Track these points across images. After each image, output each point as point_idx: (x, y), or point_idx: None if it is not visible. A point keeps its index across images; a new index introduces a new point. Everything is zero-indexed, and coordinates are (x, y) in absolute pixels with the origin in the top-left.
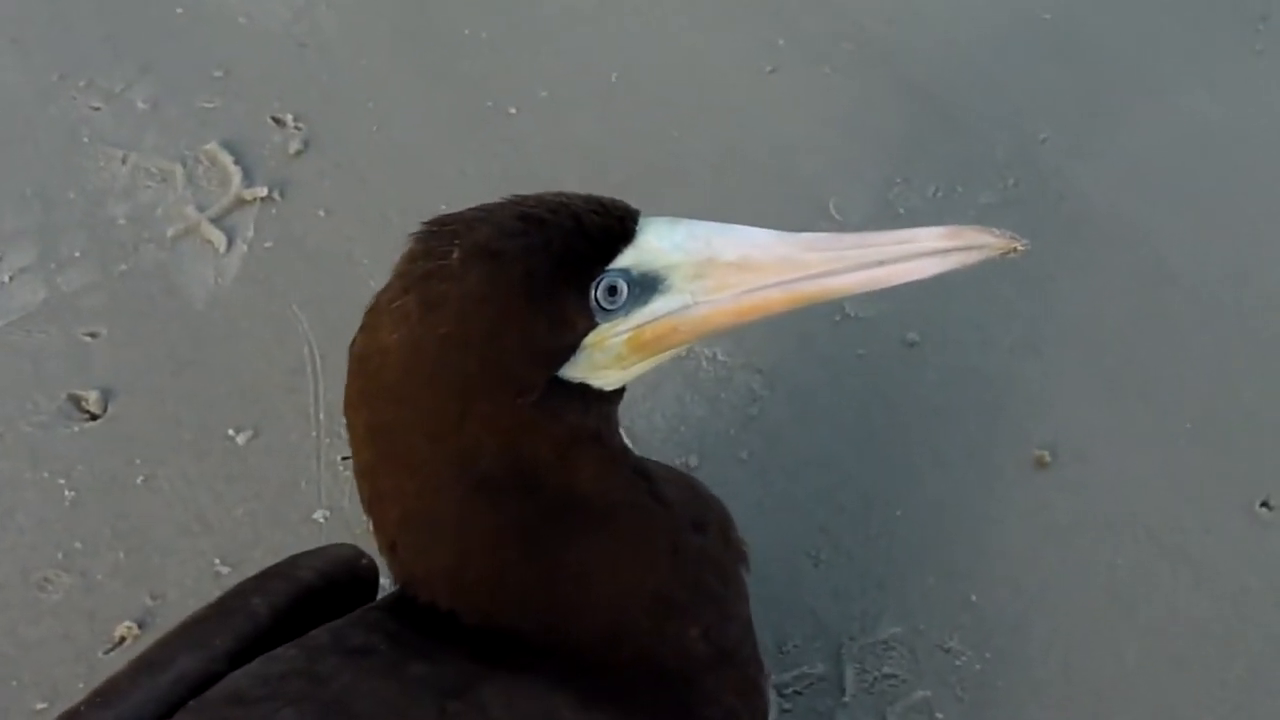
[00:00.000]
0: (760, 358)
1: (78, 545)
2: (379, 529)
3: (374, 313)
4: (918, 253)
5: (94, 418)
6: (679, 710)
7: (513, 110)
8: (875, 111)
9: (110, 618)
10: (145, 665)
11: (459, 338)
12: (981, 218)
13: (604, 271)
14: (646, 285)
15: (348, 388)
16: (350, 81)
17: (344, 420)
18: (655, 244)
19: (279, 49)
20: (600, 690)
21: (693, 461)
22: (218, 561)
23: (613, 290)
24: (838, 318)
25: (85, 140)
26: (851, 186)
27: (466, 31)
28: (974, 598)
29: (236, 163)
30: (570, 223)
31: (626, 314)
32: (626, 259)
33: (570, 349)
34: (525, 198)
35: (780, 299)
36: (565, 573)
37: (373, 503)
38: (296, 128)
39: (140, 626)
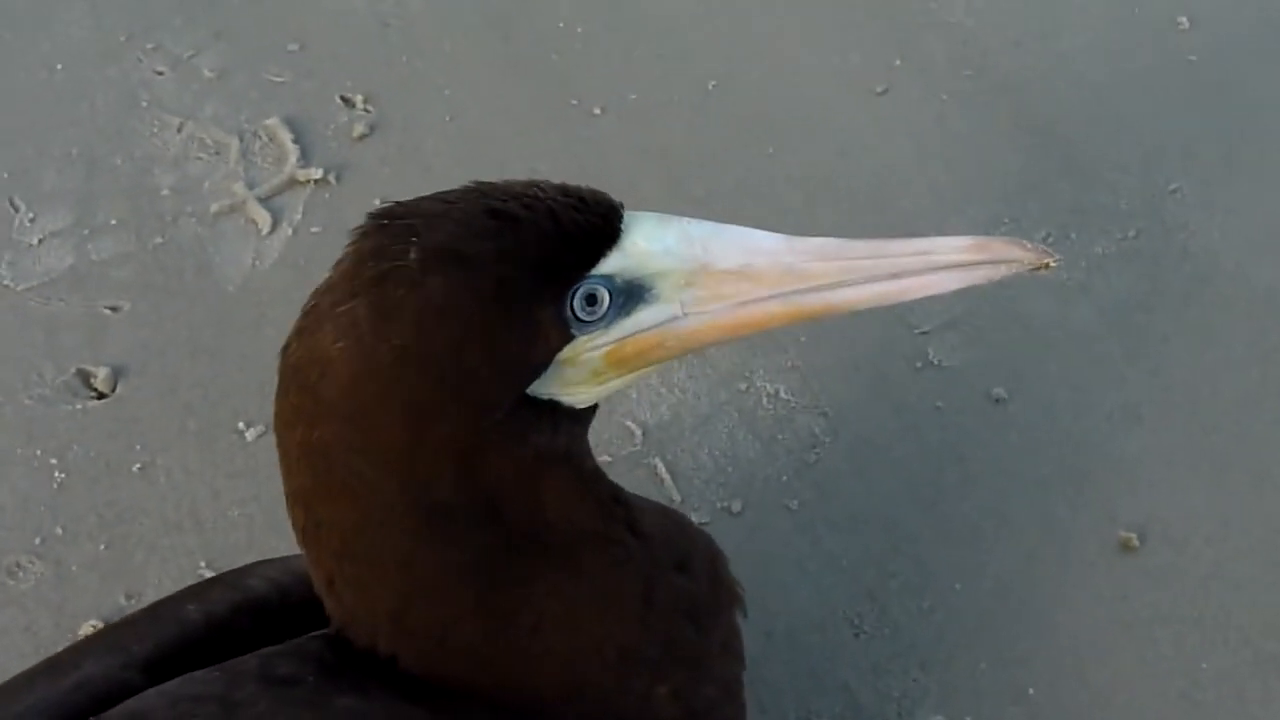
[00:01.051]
0: (827, 400)
1: (58, 531)
2: (315, 563)
3: (313, 316)
4: (937, 265)
5: (100, 396)
6: None
7: (597, 110)
8: (990, 145)
9: (78, 614)
10: (49, 667)
11: (417, 352)
12: (1095, 268)
13: (584, 278)
14: (632, 294)
15: (278, 401)
16: (429, 65)
17: None
18: (644, 247)
19: (360, 26)
20: None
21: (735, 507)
22: (203, 564)
23: (592, 299)
24: (919, 364)
25: (143, 104)
26: (952, 223)
27: (561, 24)
28: (1031, 690)
29: (295, 141)
30: (548, 223)
31: (607, 326)
32: (611, 264)
33: (541, 365)
34: (493, 187)
35: (781, 312)
36: (521, 623)
37: (307, 532)
38: (365, 109)
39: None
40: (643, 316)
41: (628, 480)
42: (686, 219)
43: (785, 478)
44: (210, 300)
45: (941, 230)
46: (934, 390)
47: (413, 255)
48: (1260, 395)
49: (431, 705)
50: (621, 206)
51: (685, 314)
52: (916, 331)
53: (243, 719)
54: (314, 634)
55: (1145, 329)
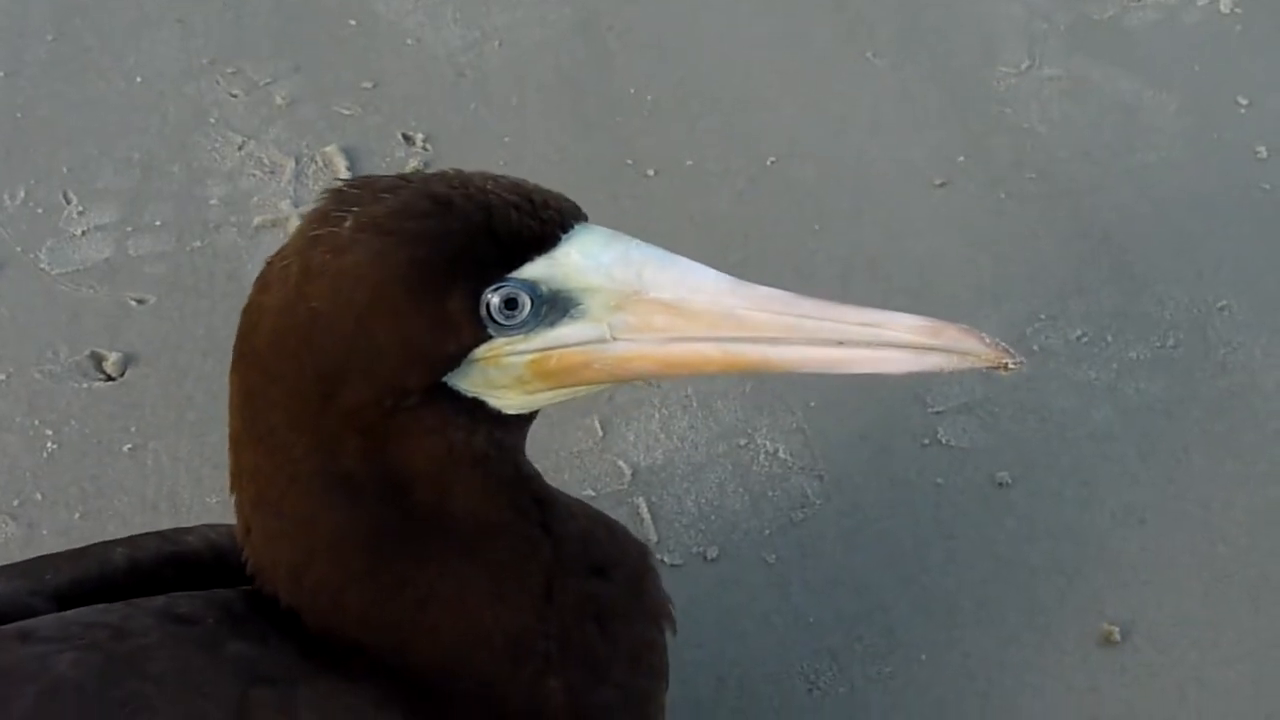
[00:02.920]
0: (826, 464)
1: (38, 496)
2: (237, 510)
3: (266, 269)
4: (887, 341)
5: (108, 379)
6: None
7: (651, 172)
8: (1040, 244)
9: None
10: None
11: (329, 316)
12: (1125, 371)
13: (504, 279)
14: (556, 305)
15: (234, 345)
16: (494, 114)
17: None
18: (576, 260)
19: (436, 73)
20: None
21: (711, 553)
22: None
23: (512, 303)
24: (926, 441)
25: (211, 121)
26: (988, 313)
27: (632, 90)
28: None
29: (349, 168)
30: (479, 214)
31: (528, 333)
32: (536, 269)
33: (453, 358)
34: (454, 175)
35: (717, 358)
36: (410, 596)
37: (234, 478)
38: (424, 148)
39: None
40: (566, 331)
41: None
42: (636, 241)
43: (768, 532)
44: (234, 304)
45: (976, 320)
46: (936, 468)
47: (347, 224)
48: (1275, 514)
49: (323, 661)
50: (577, 217)
51: (614, 338)
52: (930, 410)
53: (129, 648)
54: (236, 589)
55: (1166, 435)
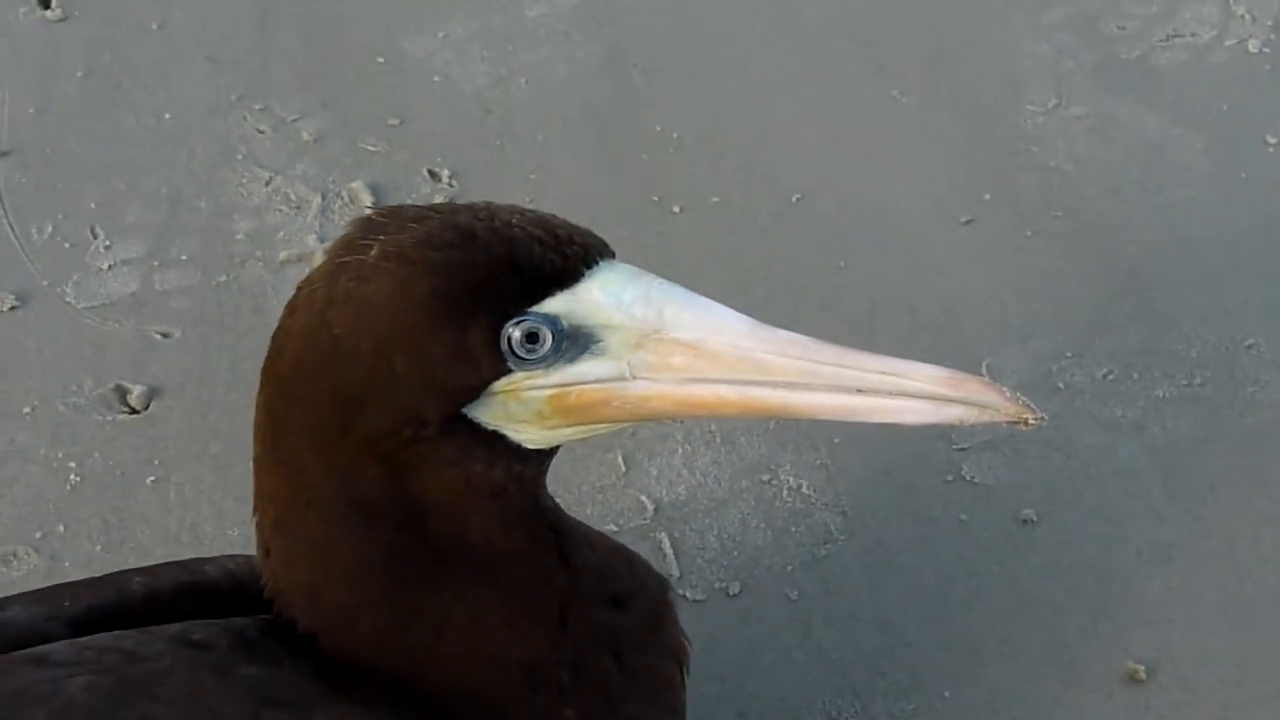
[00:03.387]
0: (849, 500)
1: (60, 529)
2: (258, 532)
3: (295, 294)
4: (906, 391)
5: (133, 412)
6: None
7: (676, 209)
8: (1066, 283)
9: None
10: None
11: (350, 343)
12: (1152, 409)
13: (525, 313)
14: (578, 341)
15: (262, 369)
16: (520, 151)
17: None
18: (598, 297)
19: (463, 110)
20: None
21: (733, 589)
22: None
23: (534, 337)
24: (950, 478)
25: (239, 157)
26: (1013, 350)
27: (659, 128)
28: None
29: (375, 204)
30: (501, 248)
31: (548, 368)
32: (557, 304)
33: (472, 389)
34: (481, 207)
35: (735, 400)
36: (426, 621)
37: (256, 500)
38: (450, 184)
39: None
40: (587, 368)
41: None
42: (658, 279)
43: (790, 568)
44: (259, 338)
45: (1000, 356)
46: (961, 504)
47: (372, 252)
48: None
49: (336, 684)
50: (603, 253)
51: (633, 377)
52: (955, 447)
53: (142, 671)
54: (252, 617)
55: (1193, 473)
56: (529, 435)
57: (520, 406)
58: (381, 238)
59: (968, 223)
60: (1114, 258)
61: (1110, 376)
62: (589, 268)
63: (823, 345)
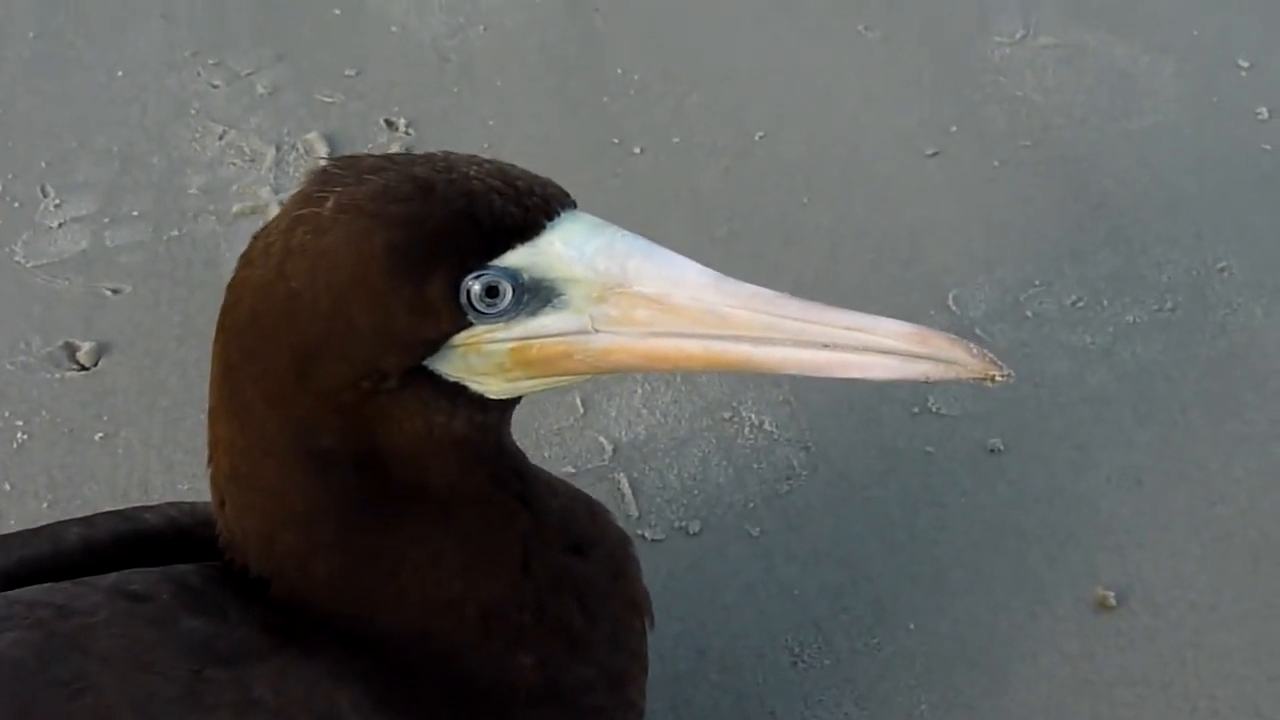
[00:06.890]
0: (813, 435)
1: (6, 487)
2: (212, 482)
3: (250, 245)
4: (871, 347)
5: (82, 369)
6: None
7: (638, 150)
8: (1034, 212)
9: None
10: None
11: (307, 296)
12: (1122, 335)
13: (485, 267)
14: (538, 294)
15: (218, 318)
16: (478, 98)
17: None
18: (559, 249)
19: (420, 59)
20: (395, 693)
21: (694, 527)
22: None
23: (494, 290)
24: (916, 409)
25: (192, 113)
26: (981, 282)
27: (619, 70)
28: None
29: (330, 154)
30: (460, 201)
31: (509, 321)
32: (518, 257)
33: (431, 343)
34: (440, 157)
35: (699, 354)
36: (381, 565)
37: (212, 450)
38: (406, 133)
39: None
40: (548, 321)
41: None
42: (621, 231)
43: (752, 505)
44: (211, 291)
45: (967, 287)
46: (927, 436)
47: (328, 204)
48: (1276, 474)
49: (284, 635)
50: (564, 204)
51: (595, 330)
52: None
53: (75, 626)
54: (195, 564)
55: (1164, 397)
56: (491, 387)
57: (481, 359)
58: (338, 189)
59: (934, 155)
60: (1083, 186)
61: (1079, 304)
62: (550, 219)
63: (788, 299)
